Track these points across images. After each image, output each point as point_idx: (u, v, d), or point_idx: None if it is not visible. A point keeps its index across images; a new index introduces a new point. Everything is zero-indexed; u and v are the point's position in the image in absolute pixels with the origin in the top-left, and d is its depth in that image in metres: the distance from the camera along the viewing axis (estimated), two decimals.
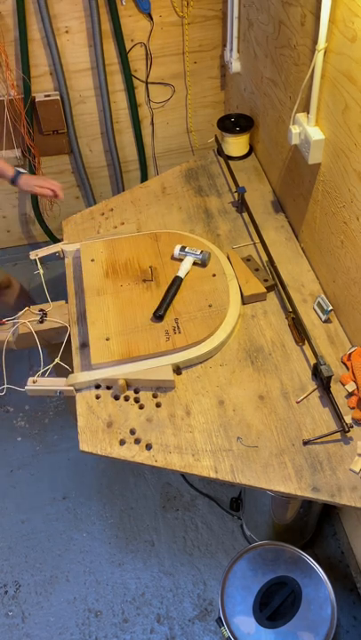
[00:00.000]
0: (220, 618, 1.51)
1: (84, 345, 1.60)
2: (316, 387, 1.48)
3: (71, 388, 1.50)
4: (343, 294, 1.56)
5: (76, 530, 2.10)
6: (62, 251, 1.87)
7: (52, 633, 1.89)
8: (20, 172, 1.89)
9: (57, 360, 1.60)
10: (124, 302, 1.65)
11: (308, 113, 1.54)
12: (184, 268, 1.70)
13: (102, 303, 1.65)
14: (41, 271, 1.83)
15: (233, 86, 2.43)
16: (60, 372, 1.60)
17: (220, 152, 2.23)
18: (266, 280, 1.71)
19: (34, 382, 1.54)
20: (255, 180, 2.11)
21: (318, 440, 1.37)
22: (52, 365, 1.60)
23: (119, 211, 2.05)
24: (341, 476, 1.31)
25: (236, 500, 2.07)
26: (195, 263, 1.73)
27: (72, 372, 1.56)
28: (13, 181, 1.90)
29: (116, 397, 1.50)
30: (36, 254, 1.86)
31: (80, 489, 2.20)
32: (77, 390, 1.52)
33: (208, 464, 1.36)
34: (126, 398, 1.49)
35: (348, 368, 1.49)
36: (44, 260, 1.88)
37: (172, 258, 1.76)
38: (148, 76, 2.46)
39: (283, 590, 1.54)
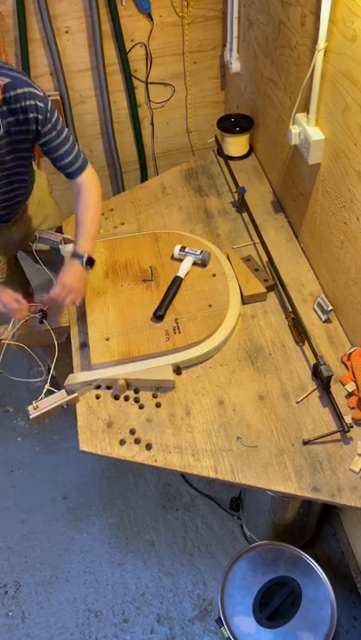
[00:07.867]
0: (220, 618, 1.51)
1: (84, 345, 1.60)
2: (316, 387, 1.48)
3: (75, 395, 1.48)
4: (343, 294, 1.56)
5: (76, 530, 2.10)
6: (63, 240, 1.87)
7: (52, 633, 1.89)
8: None
9: (52, 370, 1.54)
10: (124, 302, 1.65)
11: (307, 113, 1.53)
12: (184, 268, 1.70)
13: (102, 303, 1.65)
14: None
15: (233, 86, 2.42)
16: (60, 371, 1.60)
17: (220, 152, 2.23)
18: (266, 280, 1.71)
19: (35, 408, 1.47)
20: (255, 180, 2.11)
21: (318, 440, 1.37)
22: (47, 386, 1.52)
23: (119, 211, 2.05)
24: (341, 476, 1.31)
25: (236, 500, 2.07)
26: (195, 263, 1.73)
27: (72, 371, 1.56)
28: None
29: (116, 397, 1.50)
30: (39, 232, 1.91)
31: (80, 489, 2.20)
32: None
33: (208, 464, 1.36)
34: (126, 398, 1.49)
35: (348, 368, 1.49)
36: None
37: (172, 258, 1.76)
38: (148, 76, 2.46)
39: (283, 590, 1.54)
